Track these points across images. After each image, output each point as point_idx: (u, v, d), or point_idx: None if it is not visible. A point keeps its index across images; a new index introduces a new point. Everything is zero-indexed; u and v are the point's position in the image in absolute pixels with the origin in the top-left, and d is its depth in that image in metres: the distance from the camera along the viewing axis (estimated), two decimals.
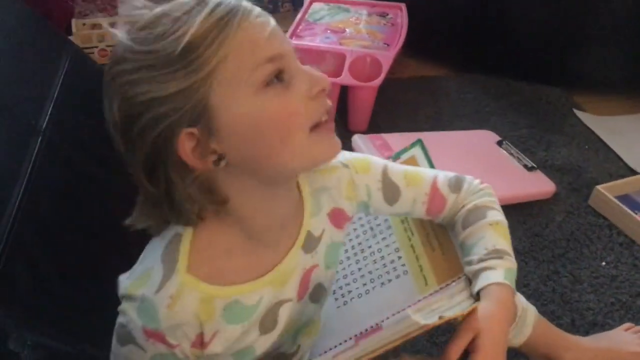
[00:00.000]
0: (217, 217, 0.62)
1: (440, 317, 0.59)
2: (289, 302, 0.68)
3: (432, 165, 0.87)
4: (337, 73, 1.72)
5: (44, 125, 1.08)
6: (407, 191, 0.77)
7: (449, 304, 0.68)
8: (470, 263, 0.73)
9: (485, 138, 1.74)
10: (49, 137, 1.07)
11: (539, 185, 1.55)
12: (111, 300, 0.64)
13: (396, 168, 0.78)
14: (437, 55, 2.23)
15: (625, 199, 1.49)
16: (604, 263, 1.33)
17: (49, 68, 1.22)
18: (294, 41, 1.86)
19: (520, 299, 0.96)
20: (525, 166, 1.60)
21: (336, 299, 0.87)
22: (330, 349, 0.68)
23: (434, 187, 0.79)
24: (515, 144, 1.71)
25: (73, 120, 1.18)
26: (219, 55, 0.54)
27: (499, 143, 1.70)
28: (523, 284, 1.26)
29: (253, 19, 0.57)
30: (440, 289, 0.76)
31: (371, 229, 0.89)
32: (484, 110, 1.93)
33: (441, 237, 0.82)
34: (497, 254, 0.72)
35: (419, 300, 0.70)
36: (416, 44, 2.07)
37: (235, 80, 0.55)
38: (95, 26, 2.10)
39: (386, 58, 1.75)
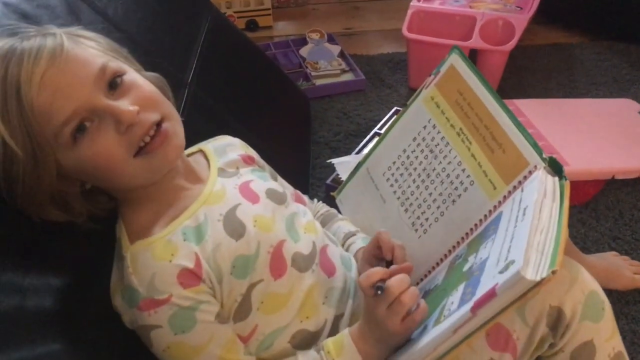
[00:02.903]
0: (127, 203, 0.74)
1: (553, 272, 0.54)
2: (240, 205, 0.75)
3: (474, 69, 0.83)
4: (466, 36, 1.67)
5: (189, 79, 1.13)
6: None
7: (544, 216, 0.62)
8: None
9: (626, 107, 1.63)
10: (194, 91, 1.12)
11: None
12: None
13: None
14: (570, 21, 2.11)
15: None
16: None
17: (193, 26, 1.28)
18: (423, 4, 1.83)
19: None
20: None
21: (416, 230, 0.87)
22: (445, 317, 0.65)
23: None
24: None
25: (214, 76, 1.23)
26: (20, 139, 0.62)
27: None
28: None
29: (35, 88, 0.61)
30: (514, 187, 0.74)
31: (431, 151, 0.87)
32: (623, 78, 1.80)
33: (498, 135, 0.78)
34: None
35: (512, 237, 0.63)
36: (547, 10, 1.96)
37: (52, 145, 0.63)
38: None
39: (520, 21, 1.67)
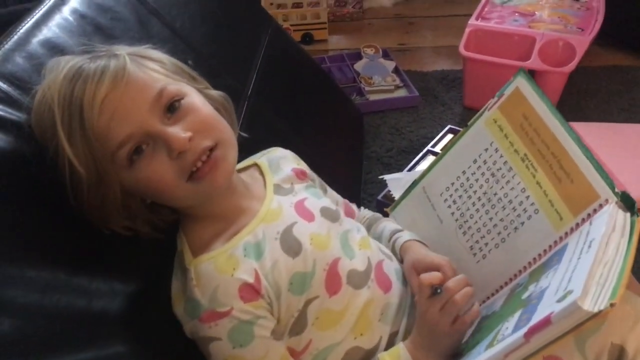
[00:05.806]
0: (189, 218, 0.76)
1: (611, 304, 0.53)
2: (297, 223, 0.76)
3: (541, 94, 0.80)
4: (524, 56, 1.65)
5: (249, 91, 1.16)
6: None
7: (610, 249, 0.61)
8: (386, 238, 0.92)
9: None
10: (254, 102, 1.14)
11: None
12: None
13: None
14: (632, 43, 2.06)
15: None
16: None
17: (254, 39, 1.30)
18: (481, 23, 1.81)
19: None
20: None
21: (474, 254, 0.85)
22: (499, 341, 0.64)
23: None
24: None
25: (273, 88, 1.25)
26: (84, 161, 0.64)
27: None
28: None
29: (95, 111, 0.63)
30: (582, 220, 0.71)
31: (492, 174, 0.84)
32: None
33: (566, 164, 0.75)
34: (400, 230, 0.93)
35: (575, 271, 0.61)
36: (608, 31, 1.92)
37: (109, 165, 0.66)
38: (280, 6, 2.21)
39: (581, 43, 1.64)
